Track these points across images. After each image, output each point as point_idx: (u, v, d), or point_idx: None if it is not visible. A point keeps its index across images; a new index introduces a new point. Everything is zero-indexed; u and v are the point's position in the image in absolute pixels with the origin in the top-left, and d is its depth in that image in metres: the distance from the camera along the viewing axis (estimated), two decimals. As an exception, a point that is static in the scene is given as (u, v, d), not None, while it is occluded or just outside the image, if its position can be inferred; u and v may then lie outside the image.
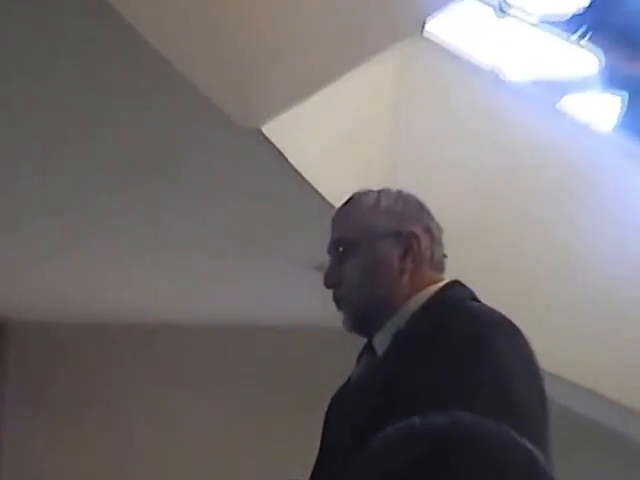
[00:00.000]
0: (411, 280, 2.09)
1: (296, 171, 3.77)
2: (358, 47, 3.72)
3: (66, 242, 5.13)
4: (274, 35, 3.40)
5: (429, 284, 2.10)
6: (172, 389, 6.78)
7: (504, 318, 1.97)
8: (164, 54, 3.02)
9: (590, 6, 5.22)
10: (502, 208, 5.01)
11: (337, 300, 2.13)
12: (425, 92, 4.89)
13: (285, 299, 5.99)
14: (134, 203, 4.49)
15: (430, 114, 4.90)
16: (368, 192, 2.20)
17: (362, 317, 2.10)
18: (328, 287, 2.14)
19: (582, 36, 5.33)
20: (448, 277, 2.15)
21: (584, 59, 5.40)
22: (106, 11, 2.75)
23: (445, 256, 2.17)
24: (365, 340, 2.15)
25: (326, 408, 2.15)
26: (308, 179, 3.86)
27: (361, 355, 2.15)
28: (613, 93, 5.59)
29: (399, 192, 2.19)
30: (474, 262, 4.27)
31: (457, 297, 2.07)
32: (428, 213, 2.18)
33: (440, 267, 2.15)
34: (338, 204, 2.25)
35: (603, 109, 5.58)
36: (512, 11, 5.21)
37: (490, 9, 5.16)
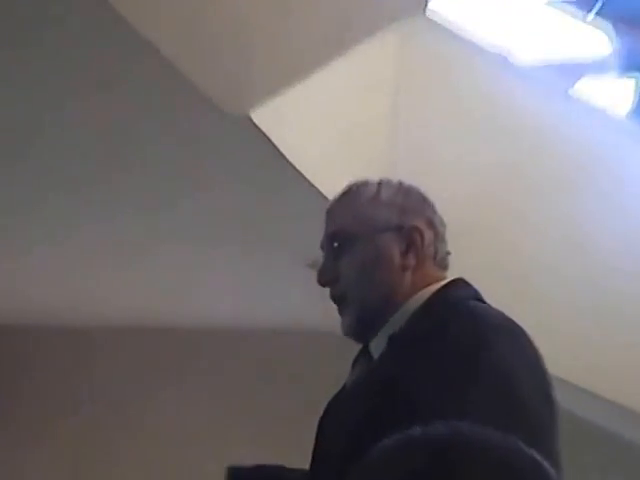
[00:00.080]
0: (413, 278, 1.96)
1: (284, 157, 3.64)
2: (353, 28, 3.60)
3: (36, 238, 4.95)
4: (264, 16, 3.27)
5: (431, 282, 1.96)
6: (159, 395, 6.52)
7: (508, 319, 1.84)
8: (150, 39, 2.92)
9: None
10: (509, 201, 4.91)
11: (335, 298, 2.00)
12: (426, 76, 4.76)
13: (285, 299, 5.85)
14: (117, 193, 4.33)
15: (432, 99, 4.76)
16: (367, 182, 2.06)
17: (362, 315, 1.96)
18: (323, 285, 2.01)
19: (596, 15, 5.19)
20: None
21: (598, 40, 5.26)
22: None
23: (449, 253, 2.04)
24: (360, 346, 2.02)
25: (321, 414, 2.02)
26: (298, 167, 3.73)
27: (356, 361, 2.03)
28: (628, 76, 5.46)
29: (400, 183, 2.07)
30: (473, 261, 4.13)
31: (460, 296, 1.92)
32: (431, 206, 2.05)
33: (444, 265, 2.03)
34: (333, 194, 2.09)
35: (618, 93, 5.45)
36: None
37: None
